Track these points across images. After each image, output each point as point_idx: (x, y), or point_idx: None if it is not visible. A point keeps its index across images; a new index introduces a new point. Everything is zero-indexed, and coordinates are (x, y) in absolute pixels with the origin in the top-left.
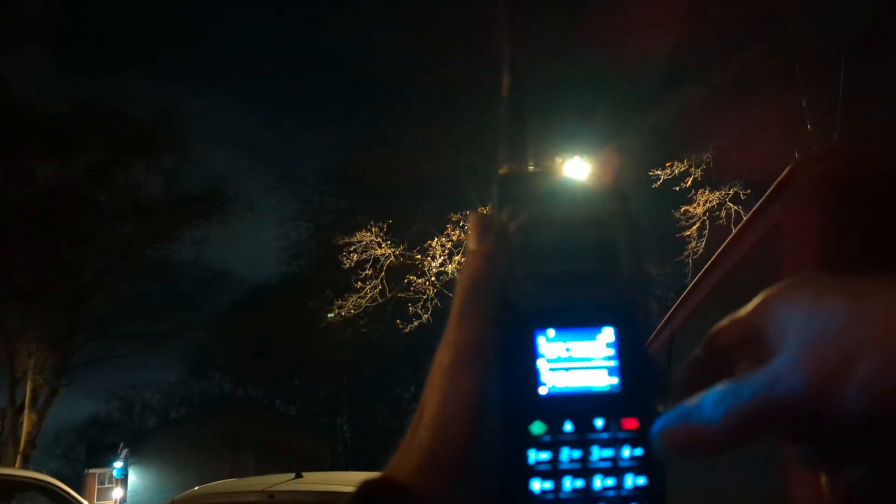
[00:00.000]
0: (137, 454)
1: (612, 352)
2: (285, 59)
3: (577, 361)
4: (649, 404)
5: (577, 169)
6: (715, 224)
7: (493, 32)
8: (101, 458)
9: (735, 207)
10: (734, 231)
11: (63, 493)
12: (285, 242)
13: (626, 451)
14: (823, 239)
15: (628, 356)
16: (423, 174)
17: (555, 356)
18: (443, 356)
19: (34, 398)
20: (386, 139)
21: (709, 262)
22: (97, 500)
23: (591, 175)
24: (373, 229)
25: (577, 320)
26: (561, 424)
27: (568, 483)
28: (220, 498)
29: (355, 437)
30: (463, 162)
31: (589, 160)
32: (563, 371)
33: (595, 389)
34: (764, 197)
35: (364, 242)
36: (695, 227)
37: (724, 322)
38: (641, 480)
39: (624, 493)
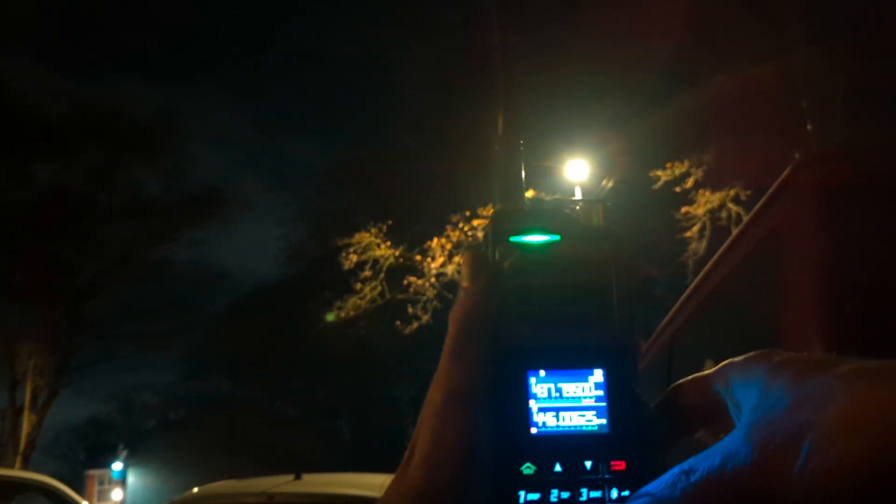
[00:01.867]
0: (137, 455)
1: (601, 393)
2: (284, 59)
3: (567, 402)
4: (637, 446)
5: (576, 169)
6: (716, 225)
7: (488, 66)
8: (101, 459)
9: (736, 208)
10: (734, 232)
11: (63, 494)
12: (284, 243)
13: (614, 493)
14: (823, 239)
15: (617, 398)
16: (423, 174)
17: (545, 397)
18: (434, 395)
19: (34, 399)
20: (386, 139)
21: (709, 264)
22: (97, 501)
23: (584, 214)
24: (372, 230)
25: (568, 362)
26: (551, 465)
27: None
28: (219, 499)
29: (355, 438)
30: (463, 162)
31: (588, 160)
32: (554, 412)
33: (584, 430)
34: (764, 198)
35: (363, 243)
36: (695, 228)
37: (687, 380)
38: None
39: None
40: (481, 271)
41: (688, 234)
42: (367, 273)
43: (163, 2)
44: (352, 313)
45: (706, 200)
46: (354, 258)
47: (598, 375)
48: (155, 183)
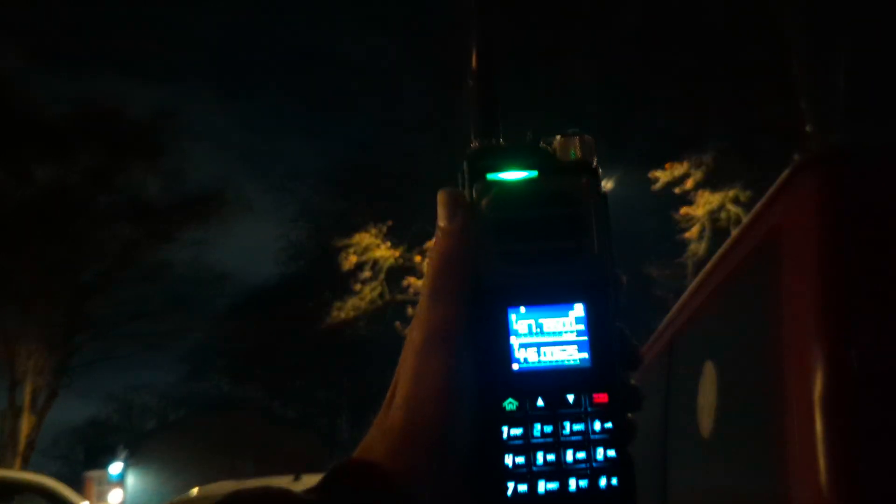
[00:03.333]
0: (136, 456)
1: (582, 327)
2: (284, 60)
3: (548, 337)
4: (619, 379)
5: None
6: (715, 226)
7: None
8: (100, 459)
9: (735, 209)
10: (734, 233)
11: (62, 495)
12: (284, 243)
13: (597, 425)
14: (824, 241)
15: (598, 332)
16: (422, 175)
17: (526, 333)
18: (414, 335)
19: (33, 400)
20: (385, 140)
21: (709, 265)
22: (96, 502)
23: (562, 149)
24: (372, 230)
25: (548, 297)
26: (533, 400)
27: (540, 457)
28: None
29: (354, 439)
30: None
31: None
32: (535, 347)
33: (566, 365)
34: (764, 199)
35: (363, 244)
36: (695, 229)
37: None
38: (611, 453)
39: (595, 465)
40: (458, 210)
41: (687, 235)
42: (367, 274)
43: (162, 2)
44: (351, 314)
45: (706, 201)
46: (354, 259)
47: (578, 310)
48: (155, 183)
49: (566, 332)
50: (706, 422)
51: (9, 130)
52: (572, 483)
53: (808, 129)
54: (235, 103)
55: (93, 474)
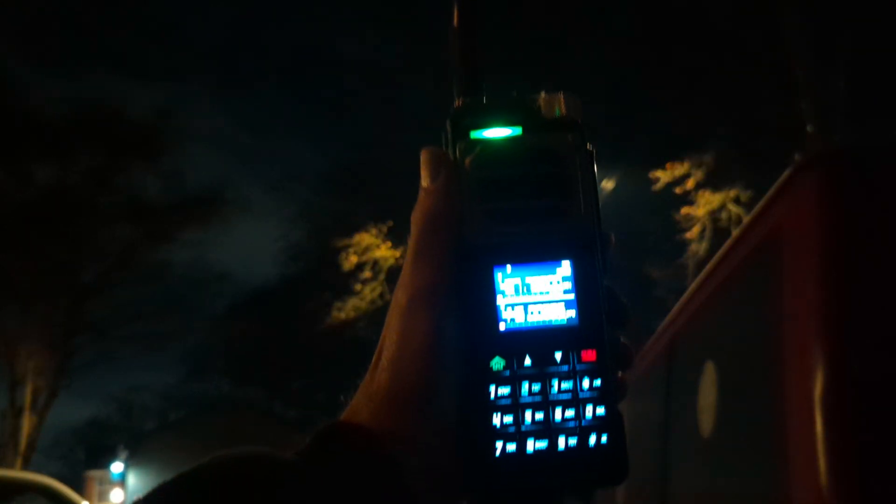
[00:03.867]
0: (137, 456)
1: (569, 285)
2: (283, 60)
3: (535, 296)
4: (608, 336)
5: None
6: (716, 226)
7: None
8: (101, 460)
9: (736, 209)
10: (735, 233)
11: (63, 495)
12: (284, 244)
13: (586, 383)
14: (824, 241)
15: (585, 289)
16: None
17: (513, 292)
18: (399, 297)
19: (34, 400)
20: (385, 140)
21: (709, 265)
22: (97, 502)
23: (547, 107)
24: (372, 231)
25: (535, 255)
26: (521, 359)
27: (529, 416)
28: None
29: None
30: None
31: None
32: (522, 306)
33: (554, 323)
34: (764, 199)
35: (363, 244)
36: (696, 229)
37: None
38: (600, 410)
39: (584, 423)
40: (441, 169)
41: (688, 235)
42: (368, 274)
43: (162, 3)
44: (352, 314)
45: (706, 201)
46: (354, 259)
47: (565, 268)
48: (155, 183)
49: (553, 291)
50: (706, 422)
51: (9, 130)
52: (561, 441)
53: (808, 129)
54: (235, 103)
55: (93, 474)
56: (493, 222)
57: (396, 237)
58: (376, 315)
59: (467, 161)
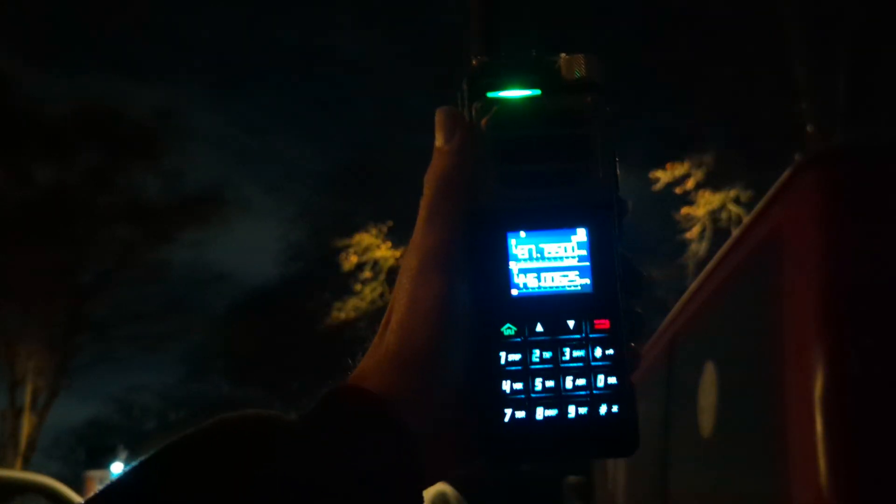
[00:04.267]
0: (137, 456)
1: (584, 253)
2: (283, 60)
3: (549, 262)
4: (622, 305)
5: None
6: (716, 226)
7: None
8: (101, 460)
9: (736, 209)
10: (735, 233)
11: (63, 496)
12: (284, 244)
13: (598, 352)
14: (824, 241)
15: (601, 257)
16: (423, 175)
17: (526, 258)
18: (410, 259)
19: (34, 400)
20: (385, 140)
21: (709, 265)
22: None
23: (567, 68)
24: (372, 231)
25: (549, 221)
26: (532, 326)
27: (539, 384)
28: None
29: None
30: None
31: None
32: (535, 273)
33: (567, 290)
34: (764, 199)
35: (363, 244)
36: (696, 229)
37: None
38: (612, 380)
39: (595, 392)
40: (456, 130)
41: (688, 235)
42: (368, 274)
43: (162, 3)
44: (352, 314)
45: (706, 201)
46: (354, 259)
47: (581, 235)
48: (154, 183)
49: (567, 258)
50: (706, 422)
51: (9, 130)
52: (571, 410)
53: (808, 129)
54: (235, 103)
55: (93, 474)
56: (508, 186)
57: (396, 237)
58: (376, 315)
59: (483, 122)
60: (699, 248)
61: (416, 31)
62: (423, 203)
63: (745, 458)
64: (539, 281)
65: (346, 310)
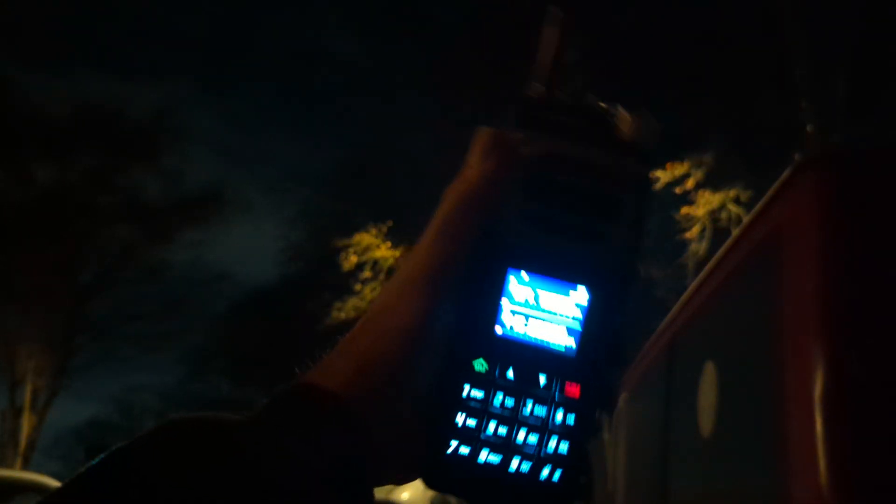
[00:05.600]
0: None
1: (579, 313)
2: (283, 60)
3: (540, 311)
4: (600, 377)
5: None
6: (716, 226)
7: None
8: None
9: (736, 209)
10: (735, 233)
11: None
12: (284, 244)
13: (560, 415)
14: (824, 240)
15: (594, 323)
16: (422, 175)
17: (521, 300)
18: (408, 265)
19: (34, 400)
20: (385, 140)
21: (709, 265)
22: None
23: (625, 124)
24: (372, 231)
25: (554, 270)
26: (504, 369)
27: (492, 427)
28: None
29: None
30: (463, 162)
31: None
32: (524, 317)
33: (549, 346)
34: (764, 199)
35: (363, 244)
36: (696, 229)
37: None
38: (564, 447)
39: (543, 454)
40: (494, 153)
41: (688, 235)
42: (368, 274)
43: (162, 3)
44: (352, 314)
45: (706, 201)
46: (354, 259)
47: (581, 293)
48: (154, 183)
49: (561, 313)
50: (706, 422)
51: (9, 130)
52: (514, 463)
53: (808, 129)
54: (236, 104)
55: None
56: (526, 223)
57: (396, 237)
58: None
59: (523, 153)
60: (699, 247)
61: (417, 32)
62: (439, 213)
63: (745, 457)
64: (525, 327)
65: (346, 310)
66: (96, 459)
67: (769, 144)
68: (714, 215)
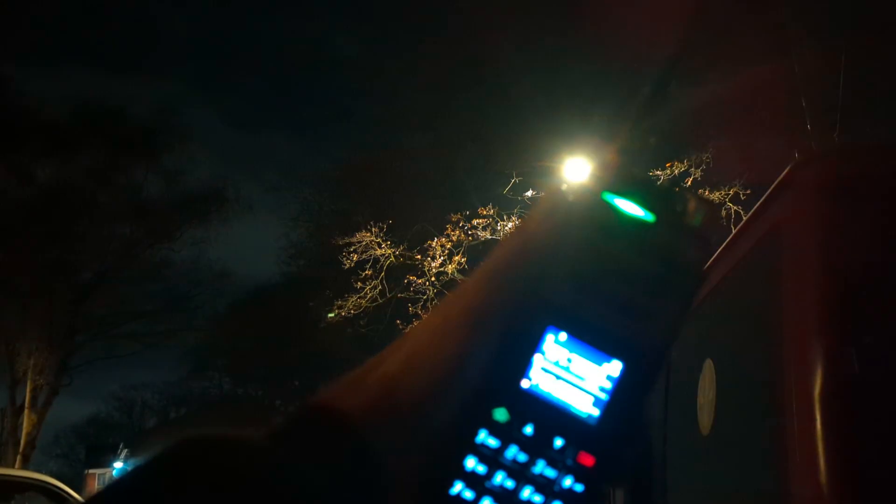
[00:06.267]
0: (137, 454)
1: (608, 385)
2: (285, 60)
3: (571, 375)
4: (613, 452)
5: (577, 169)
6: (715, 225)
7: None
8: (101, 458)
9: (735, 208)
10: (734, 231)
11: (63, 494)
12: (285, 242)
13: (568, 481)
14: (822, 239)
15: (621, 398)
16: (422, 174)
17: (554, 359)
18: (452, 306)
19: (34, 398)
20: (386, 139)
21: (708, 263)
22: None
23: (691, 210)
24: (373, 229)
25: (593, 338)
26: (523, 423)
27: (499, 477)
28: None
29: None
30: (463, 162)
31: (589, 159)
32: (554, 377)
33: (573, 410)
34: (763, 197)
35: (364, 242)
36: None
37: None
38: None
39: None
40: (557, 213)
41: None
42: (368, 272)
43: (164, 4)
44: (353, 312)
45: None
46: (355, 257)
47: (615, 367)
48: (155, 183)
49: (591, 381)
50: (706, 420)
51: (9, 130)
52: None
53: (808, 128)
54: (236, 103)
55: (94, 472)
56: (575, 288)
57: (396, 235)
58: (377, 313)
59: (588, 217)
60: None
61: (417, 32)
62: (494, 258)
63: (745, 456)
64: (553, 387)
65: (347, 308)
66: (113, 480)
67: (769, 144)
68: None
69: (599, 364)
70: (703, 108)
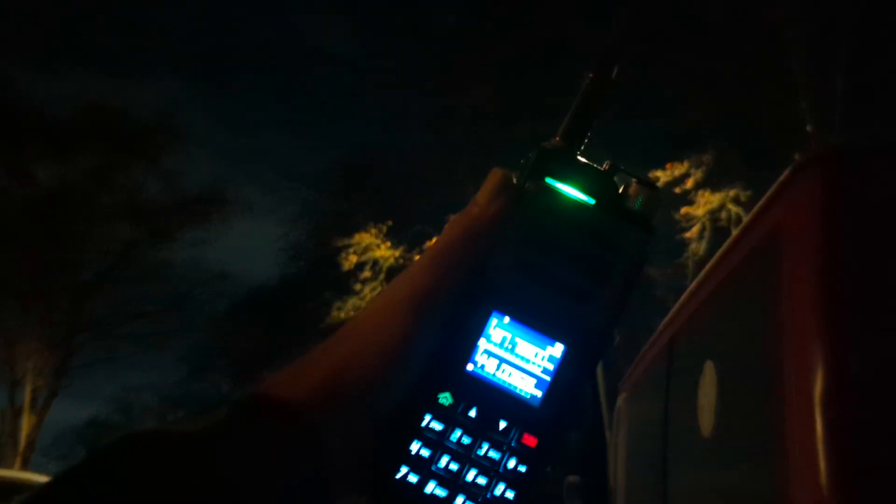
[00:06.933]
0: None
1: (551, 367)
2: (285, 60)
3: (514, 357)
4: (559, 432)
5: None
6: (715, 226)
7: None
8: None
9: (735, 209)
10: (734, 232)
11: None
12: (284, 244)
13: (512, 463)
14: (823, 240)
15: (563, 379)
16: (422, 175)
17: (498, 342)
18: (397, 287)
19: (33, 400)
20: (385, 139)
21: (709, 265)
22: None
23: (632, 194)
24: (372, 230)
25: (536, 322)
26: (468, 406)
27: (444, 461)
28: None
29: None
30: (463, 162)
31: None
32: (497, 360)
33: (516, 392)
34: (764, 198)
35: (363, 244)
36: (695, 229)
37: None
38: (510, 494)
39: (489, 496)
40: (502, 195)
41: (688, 234)
42: (367, 274)
43: (163, 3)
44: (352, 314)
45: (706, 201)
46: (354, 259)
47: (557, 349)
48: (155, 183)
49: (533, 364)
50: (706, 421)
51: (9, 130)
52: (459, 500)
53: (808, 129)
54: (236, 103)
55: None
56: (518, 271)
57: (396, 237)
58: None
59: (530, 202)
60: (699, 247)
61: (416, 32)
62: (438, 243)
63: (745, 457)
64: (497, 370)
65: (346, 309)
66: (52, 478)
67: (769, 144)
68: (714, 215)
69: (542, 347)
70: (704, 109)
